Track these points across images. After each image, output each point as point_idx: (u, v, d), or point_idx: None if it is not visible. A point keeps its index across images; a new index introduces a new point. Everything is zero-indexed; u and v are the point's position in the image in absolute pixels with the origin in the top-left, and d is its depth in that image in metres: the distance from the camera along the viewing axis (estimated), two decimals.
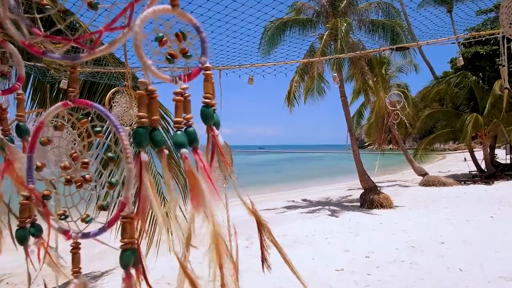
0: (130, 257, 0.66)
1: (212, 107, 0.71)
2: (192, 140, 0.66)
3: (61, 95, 3.77)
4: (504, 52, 2.43)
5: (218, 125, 0.72)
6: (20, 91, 0.87)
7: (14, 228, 0.86)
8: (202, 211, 0.63)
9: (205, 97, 0.70)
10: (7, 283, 5.71)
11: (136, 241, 0.68)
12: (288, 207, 12.55)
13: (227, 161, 0.75)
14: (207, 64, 0.69)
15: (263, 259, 0.89)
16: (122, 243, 0.65)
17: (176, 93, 0.66)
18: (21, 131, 0.82)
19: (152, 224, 3.56)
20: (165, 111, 3.90)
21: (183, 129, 0.66)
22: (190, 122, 0.67)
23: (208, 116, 0.69)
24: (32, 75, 3.64)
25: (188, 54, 0.69)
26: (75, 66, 0.79)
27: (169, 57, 0.67)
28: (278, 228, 8.79)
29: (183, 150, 0.64)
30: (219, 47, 3.81)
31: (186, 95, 0.67)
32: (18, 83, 0.86)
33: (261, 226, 0.84)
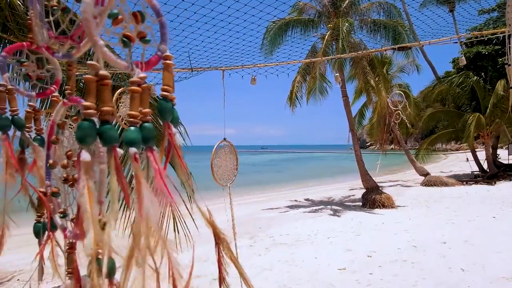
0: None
1: (172, 101, 0.63)
2: (148, 138, 0.57)
3: None
4: (510, 51, 2.43)
5: (176, 122, 0.64)
6: (56, 94, 0.91)
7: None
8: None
9: (164, 90, 0.61)
10: (18, 279, 5.78)
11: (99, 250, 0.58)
12: (291, 207, 12.57)
13: (184, 164, 0.65)
14: (167, 53, 0.61)
15: (221, 280, 0.78)
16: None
17: (132, 83, 0.58)
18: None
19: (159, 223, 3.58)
20: None
21: (138, 125, 0.57)
22: (147, 117, 0.58)
23: (166, 110, 0.61)
24: None
25: (147, 39, 0.60)
26: (71, 63, 0.82)
27: (124, 39, 0.58)
28: (280, 228, 8.82)
29: (133, 150, 0.54)
30: (222, 48, 3.84)
31: (144, 85, 0.59)
32: (54, 86, 0.91)
33: (218, 240, 0.72)
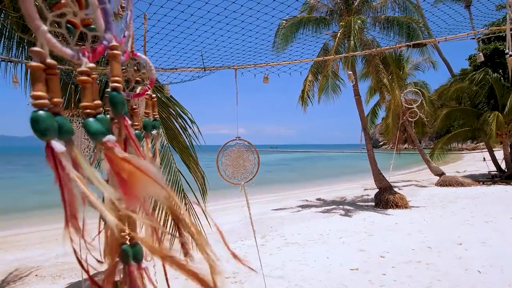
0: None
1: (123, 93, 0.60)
2: (106, 129, 0.54)
3: None
4: (510, 44, 2.36)
5: (128, 113, 0.63)
6: (149, 93, 1.07)
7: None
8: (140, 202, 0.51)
9: (114, 81, 0.58)
10: (36, 275, 5.98)
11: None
12: (302, 206, 12.52)
13: (142, 154, 0.63)
14: (114, 42, 0.58)
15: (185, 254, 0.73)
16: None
17: (81, 73, 0.54)
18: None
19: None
20: (182, 109, 3.95)
21: (94, 116, 0.55)
22: (99, 109, 0.55)
23: (119, 102, 0.58)
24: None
25: (92, 26, 0.57)
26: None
27: (69, 25, 0.54)
28: (292, 227, 8.80)
29: (109, 137, 0.52)
30: (235, 46, 3.85)
31: (93, 75, 0.56)
32: (149, 86, 1.05)
33: (178, 221, 0.65)
